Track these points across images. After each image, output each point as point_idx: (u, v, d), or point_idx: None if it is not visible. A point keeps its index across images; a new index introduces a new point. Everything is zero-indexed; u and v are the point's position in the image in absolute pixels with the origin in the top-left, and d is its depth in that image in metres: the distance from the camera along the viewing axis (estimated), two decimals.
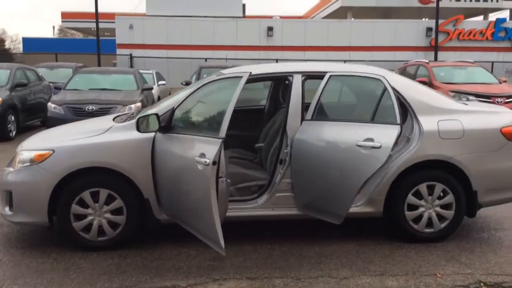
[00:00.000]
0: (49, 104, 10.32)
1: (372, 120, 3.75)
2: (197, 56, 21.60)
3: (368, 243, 4.32)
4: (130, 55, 22.93)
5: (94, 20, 21.96)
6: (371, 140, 3.56)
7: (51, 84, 13.77)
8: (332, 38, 23.67)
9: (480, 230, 4.72)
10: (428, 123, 4.24)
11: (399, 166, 4.18)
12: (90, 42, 33.36)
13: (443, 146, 4.23)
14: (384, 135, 3.51)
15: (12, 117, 11.03)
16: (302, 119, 4.22)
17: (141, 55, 22.66)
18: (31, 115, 12.05)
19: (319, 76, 4.28)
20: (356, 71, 4.18)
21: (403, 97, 4.31)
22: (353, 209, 4.27)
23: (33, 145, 4.24)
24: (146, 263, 3.90)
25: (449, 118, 4.30)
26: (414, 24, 24.41)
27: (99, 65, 21.15)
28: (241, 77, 3.58)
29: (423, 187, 4.27)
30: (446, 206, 4.33)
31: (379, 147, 3.50)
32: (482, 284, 3.56)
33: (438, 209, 4.31)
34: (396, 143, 3.57)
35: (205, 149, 3.36)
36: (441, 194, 4.31)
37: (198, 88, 3.91)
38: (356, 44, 23.58)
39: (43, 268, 3.80)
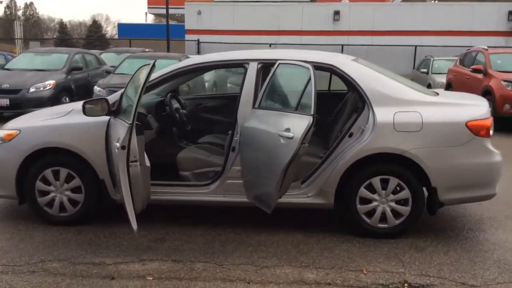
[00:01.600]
0: (95, 87, 11.03)
1: (296, 109, 3.66)
2: (262, 42, 21.71)
3: (317, 234, 4.24)
4: (198, 40, 23.57)
5: (176, 7, 22.88)
6: (288, 130, 3.49)
7: (111, 68, 14.70)
8: (403, 22, 22.56)
9: (451, 229, 4.43)
10: (383, 114, 4.06)
11: (350, 158, 4.05)
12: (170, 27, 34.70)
13: (398, 139, 4.02)
14: (298, 125, 3.41)
15: (67, 99, 11.91)
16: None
17: (208, 40, 23.19)
18: (86, 97, 12.89)
19: (273, 63, 4.22)
20: (300, 59, 4.05)
21: (359, 86, 4.16)
22: (304, 200, 4.24)
23: (8, 125, 4.62)
24: (93, 240, 4.14)
25: (408, 109, 4.07)
26: (494, 7, 22.51)
27: (168, 50, 21.97)
28: (149, 65, 3.63)
29: (376, 181, 4.10)
30: (402, 202, 4.12)
31: (292, 138, 3.42)
32: (406, 285, 3.38)
33: (393, 204, 4.12)
34: (309, 134, 3.45)
35: (120, 134, 3.51)
36: (397, 189, 4.11)
37: (133, 75, 4.03)
38: (429, 29, 22.29)
39: (2, 238, 4.18)
